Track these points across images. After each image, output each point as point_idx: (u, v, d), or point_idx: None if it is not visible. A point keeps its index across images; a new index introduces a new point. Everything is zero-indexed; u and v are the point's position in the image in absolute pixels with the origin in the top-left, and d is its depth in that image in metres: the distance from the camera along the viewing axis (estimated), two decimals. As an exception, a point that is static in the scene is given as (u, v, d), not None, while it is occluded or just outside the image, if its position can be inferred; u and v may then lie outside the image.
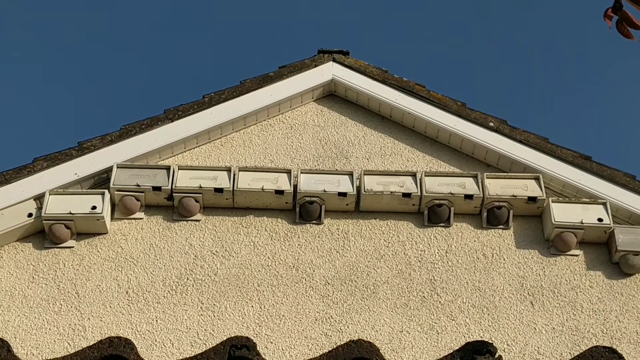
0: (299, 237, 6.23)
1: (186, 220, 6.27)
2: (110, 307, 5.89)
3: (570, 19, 15.12)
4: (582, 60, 15.44)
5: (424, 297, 6.01)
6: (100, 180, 6.35)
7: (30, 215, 6.09)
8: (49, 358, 5.63)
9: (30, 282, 5.97)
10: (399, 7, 15.37)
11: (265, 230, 6.26)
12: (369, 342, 5.70)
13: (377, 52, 14.88)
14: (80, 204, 6.10)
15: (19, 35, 15.19)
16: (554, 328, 5.90)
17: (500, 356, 5.64)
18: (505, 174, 6.48)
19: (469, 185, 6.32)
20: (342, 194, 6.26)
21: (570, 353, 5.78)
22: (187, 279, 6.02)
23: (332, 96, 6.98)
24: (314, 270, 6.09)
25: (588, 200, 6.31)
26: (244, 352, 5.50)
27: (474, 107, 6.77)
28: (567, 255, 6.21)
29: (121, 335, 5.70)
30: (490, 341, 5.77)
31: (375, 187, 6.29)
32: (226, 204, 6.31)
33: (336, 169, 6.50)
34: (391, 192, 6.26)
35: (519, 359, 5.76)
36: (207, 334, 5.80)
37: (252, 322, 5.86)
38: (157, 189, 6.23)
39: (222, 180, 6.28)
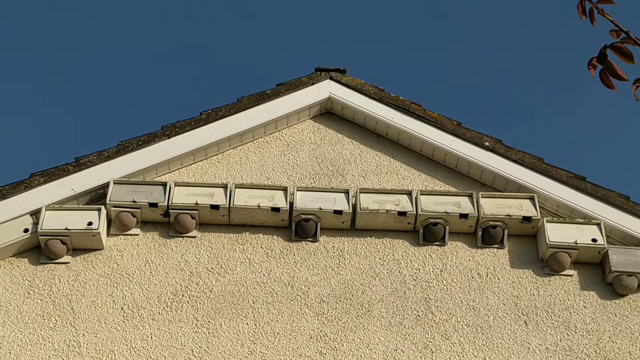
0: (294, 255, 6.25)
1: (182, 237, 6.28)
2: (105, 323, 5.89)
3: (566, 40, 15.19)
4: (578, 81, 15.50)
5: (418, 315, 6.02)
6: (96, 196, 6.36)
7: (26, 230, 6.09)
8: (43, 374, 5.64)
9: (25, 298, 5.98)
10: (396, 26, 15.43)
11: (261, 247, 6.27)
12: None
13: (374, 70, 14.94)
14: (76, 220, 6.10)
15: (17, 51, 15.22)
16: (547, 348, 5.92)
17: None
18: (501, 193, 6.51)
19: (464, 205, 6.34)
20: (338, 212, 6.28)
21: (563, 373, 5.80)
22: (182, 295, 6.03)
23: (329, 114, 7.00)
24: (309, 288, 6.11)
25: (582, 220, 6.33)
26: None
27: (469, 127, 6.81)
28: (561, 275, 6.23)
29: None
30: (484, 361, 5.78)
31: (371, 205, 6.30)
32: (222, 220, 6.32)
33: (332, 187, 6.52)
34: (387, 211, 6.28)
35: (512, 378, 5.78)
36: (202, 351, 5.80)
37: (247, 339, 5.87)
38: (153, 205, 6.24)
39: (218, 197, 6.29)
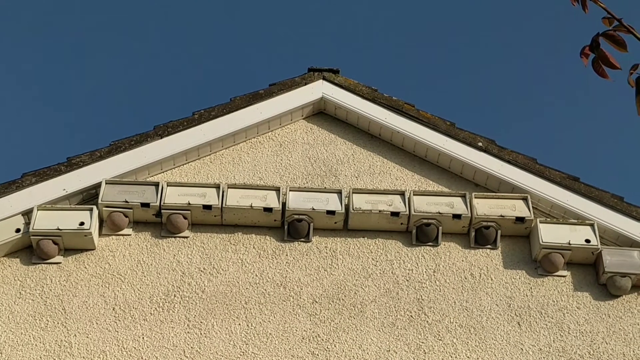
0: (287, 255, 6.23)
1: (174, 237, 6.26)
2: (97, 323, 5.87)
3: (558, 40, 15.19)
4: (571, 80, 15.50)
5: (411, 316, 6.00)
6: (88, 196, 6.34)
7: (18, 230, 6.07)
8: (34, 374, 5.61)
9: (17, 298, 5.95)
10: (390, 26, 15.43)
11: (254, 247, 6.26)
12: None
13: (367, 70, 14.93)
14: (68, 220, 6.08)
15: (10, 51, 15.19)
16: (540, 349, 5.90)
17: None
18: (494, 194, 6.49)
19: (457, 205, 6.33)
20: (331, 212, 6.26)
21: (556, 374, 5.79)
22: (175, 296, 6.01)
23: (322, 114, 6.99)
24: (301, 289, 6.09)
25: (576, 221, 6.32)
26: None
27: (463, 127, 6.80)
28: (554, 276, 6.22)
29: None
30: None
31: (364, 206, 6.29)
32: (215, 221, 6.30)
33: (325, 187, 6.50)
34: (380, 211, 6.27)
35: (505, 379, 5.77)
36: (194, 352, 5.78)
37: (239, 340, 5.85)
38: (145, 205, 6.22)
39: (210, 197, 6.28)
